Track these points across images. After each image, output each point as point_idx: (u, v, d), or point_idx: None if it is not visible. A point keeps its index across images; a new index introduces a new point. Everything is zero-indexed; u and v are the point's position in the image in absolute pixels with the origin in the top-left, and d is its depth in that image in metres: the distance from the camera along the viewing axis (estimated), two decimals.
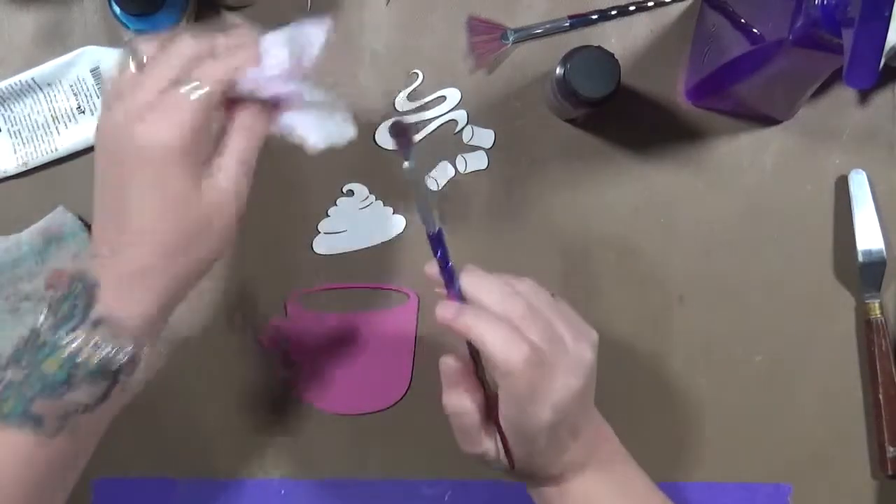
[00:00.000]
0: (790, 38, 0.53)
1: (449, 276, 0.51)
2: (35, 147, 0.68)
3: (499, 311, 0.50)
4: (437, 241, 0.50)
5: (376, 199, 0.70)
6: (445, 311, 0.50)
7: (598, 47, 0.62)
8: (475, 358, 0.53)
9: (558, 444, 0.52)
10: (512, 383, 0.49)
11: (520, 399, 0.50)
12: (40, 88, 0.68)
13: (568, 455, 0.53)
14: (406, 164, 0.47)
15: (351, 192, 0.70)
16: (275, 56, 0.49)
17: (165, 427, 0.69)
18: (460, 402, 0.52)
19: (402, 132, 0.47)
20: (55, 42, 0.68)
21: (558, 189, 0.70)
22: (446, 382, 0.53)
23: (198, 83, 0.46)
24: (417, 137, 0.70)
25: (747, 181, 0.71)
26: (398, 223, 0.70)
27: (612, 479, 0.55)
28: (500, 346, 0.49)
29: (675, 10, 0.70)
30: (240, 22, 0.55)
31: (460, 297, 0.51)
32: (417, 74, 0.70)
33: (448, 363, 0.53)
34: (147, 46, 0.49)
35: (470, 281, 0.51)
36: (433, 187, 0.70)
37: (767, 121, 0.70)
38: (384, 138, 0.69)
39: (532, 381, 0.49)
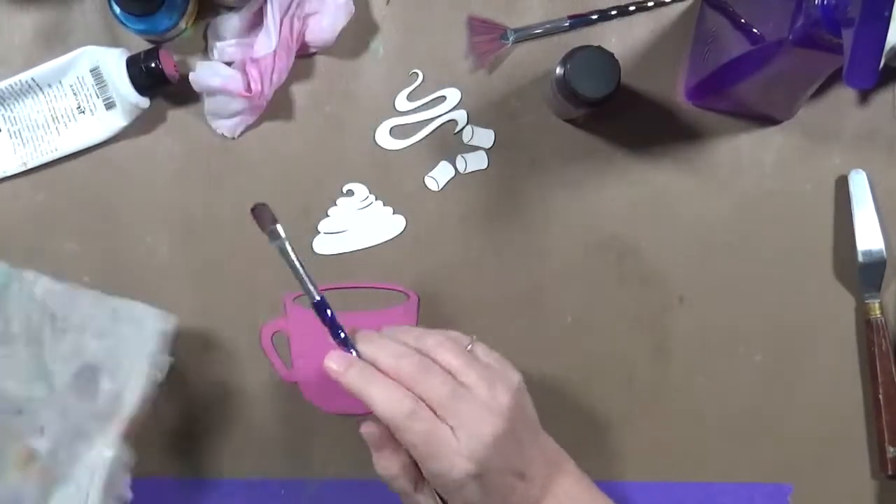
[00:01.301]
0: (790, 38, 0.53)
1: (343, 342, 0.53)
2: (35, 147, 0.68)
3: (390, 370, 0.52)
4: (322, 309, 0.53)
5: (376, 199, 0.70)
6: (333, 363, 0.52)
7: (598, 47, 0.62)
8: None
9: (500, 489, 0.53)
10: (404, 439, 0.51)
11: (419, 455, 0.51)
12: (40, 88, 0.68)
13: (517, 496, 0.53)
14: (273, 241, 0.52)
15: (351, 192, 0.70)
16: None
17: (165, 427, 0.69)
18: (388, 465, 0.54)
19: (260, 214, 0.52)
20: (55, 42, 0.68)
21: (558, 189, 0.70)
22: (372, 448, 0.54)
23: None
24: (413, 140, 0.70)
25: (747, 181, 0.71)
26: (398, 223, 0.70)
27: None
28: (382, 403, 0.51)
29: (675, 10, 0.70)
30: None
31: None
32: (417, 74, 0.70)
33: (369, 429, 0.54)
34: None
35: (365, 343, 0.53)
36: (433, 186, 0.70)
37: (767, 121, 0.70)
38: (384, 138, 0.69)
39: (426, 436, 0.50)
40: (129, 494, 0.57)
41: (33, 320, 0.57)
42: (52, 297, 0.58)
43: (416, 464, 0.53)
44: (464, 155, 0.70)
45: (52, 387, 0.56)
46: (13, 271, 0.58)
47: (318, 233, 0.70)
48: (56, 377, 0.56)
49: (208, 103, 0.67)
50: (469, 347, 0.55)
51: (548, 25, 0.69)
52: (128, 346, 0.58)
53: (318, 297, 0.53)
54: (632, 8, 0.70)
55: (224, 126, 0.68)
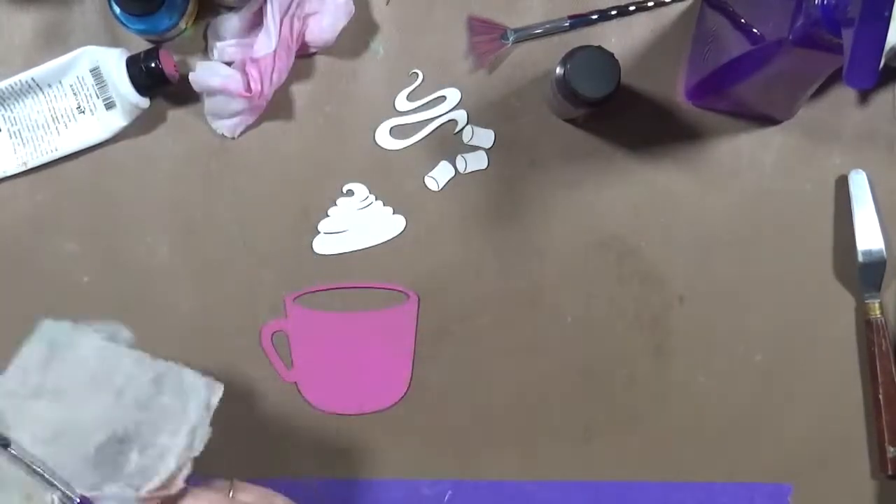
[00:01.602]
0: (790, 38, 0.53)
1: None
2: (35, 147, 0.68)
3: None
4: None
5: (376, 199, 0.70)
6: None
7: (598, 47, 0.62)
8: None
9: None
10: None
11: None
12: (40, 88, 0.68)
13: None
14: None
15: (351, 192, 0.70)
16: None
17: None
18: None
19: None
20: (55, 42, 0.68)
21: (558, 189, 0.70)
22: None
23: None
24: (413, 140, 0.70)
25: (747, 181, 0.71)
26: (398, 223, 0.70)
27: None
28: None
29: (675, 10, 0.70)
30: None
31: None
32: (417, 74, 0.70)
33: None
34: None
35: None
36: (433, 186, 0.70)
37: (767, 121, 0.70)
38: (384, 138, 0.69)
39: None
40: None
41: (69, 378, 0.52)
42: (97, 354, 0.53)
43: None
44: (464, 155, 0.70)
45: (76, 452, 0.51)
46: (70, 328, 0.53)
47: (318, 233, 0.70)
48: (80, 443, 0.51)
49: (208, 103, 0.67)
50: (231, 494, 0.54)
51: (548, 25, 0.69)
52: (167, 419, 0.52)
53: (77, 497, 0.50)
54: (632, 8, 0.70)
55: (224, 126, 0.68)
